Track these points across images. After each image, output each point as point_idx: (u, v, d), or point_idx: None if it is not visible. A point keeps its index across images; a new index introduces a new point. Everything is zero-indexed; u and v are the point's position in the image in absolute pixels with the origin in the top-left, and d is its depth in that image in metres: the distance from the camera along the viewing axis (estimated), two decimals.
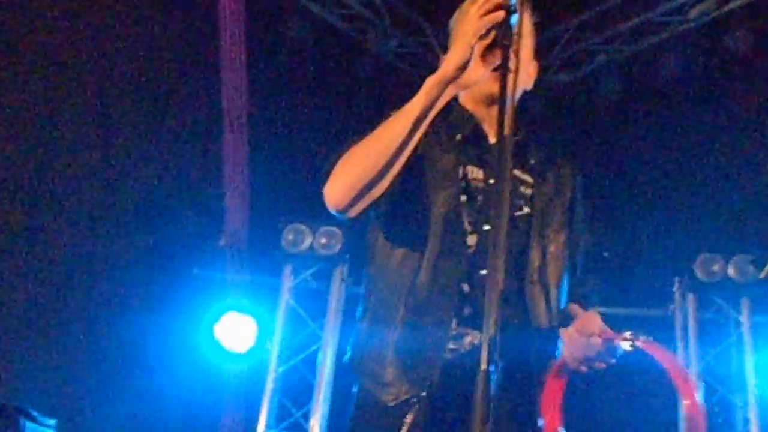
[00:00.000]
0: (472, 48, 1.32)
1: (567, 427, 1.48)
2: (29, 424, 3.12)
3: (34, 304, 4.04)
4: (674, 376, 1.36)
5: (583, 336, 1.43)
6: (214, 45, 4.40)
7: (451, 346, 1.45)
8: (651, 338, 1.40)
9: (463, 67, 1.33)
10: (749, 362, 4.37)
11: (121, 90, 4.36)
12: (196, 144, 4.64)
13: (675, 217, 4.82)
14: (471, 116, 1.63)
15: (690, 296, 4.50)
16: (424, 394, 1.43)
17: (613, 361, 1.44)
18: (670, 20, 4.75)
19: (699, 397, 1.37)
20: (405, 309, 1.48)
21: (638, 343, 1.39)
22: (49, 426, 3.27)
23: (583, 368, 1.44)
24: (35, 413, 3.19)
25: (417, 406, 1.43)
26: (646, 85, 4.98)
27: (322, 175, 1.50)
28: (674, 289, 4.54)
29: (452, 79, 1.35)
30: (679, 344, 4.47)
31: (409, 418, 1.43)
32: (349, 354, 1.59)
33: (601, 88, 4.99)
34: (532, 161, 1.64)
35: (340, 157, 1.49)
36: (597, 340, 1.41)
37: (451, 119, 1.63)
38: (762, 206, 4.56)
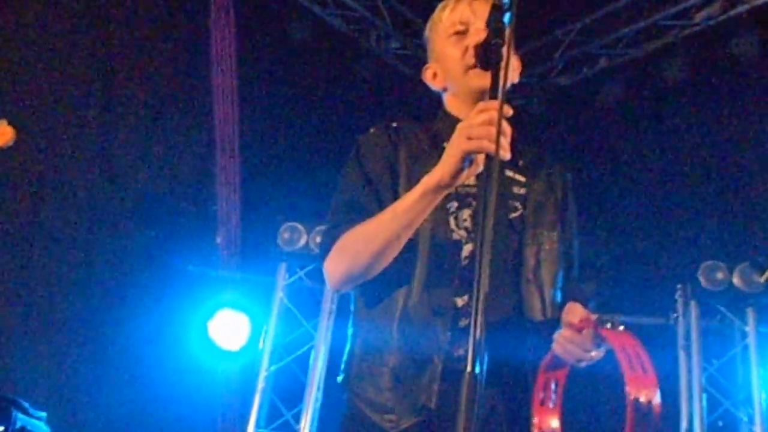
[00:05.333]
0: (464, 158, 1.16)
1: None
2: (20, 416, 2.85)
3: (28, 299, 3.72)
4: (623, 365, 1.12)
5: (567, 328, 1.25)
6: (210, 49, 4.09)
7: (446, 364, 1.28)
8: (621, 326, 1.17)
9: (458, 175, 1.18)
10: (755, 374, 3.84)
11: (120, 92, 4.07)
12: (192, 143, 4.30)
13: (679, 224, 4.30)
14: (457, 121, 1.35)
15: (693, 304, 3.97)
16: (422, 420, 1.27)
17: (601, 353, 1.24)
18: (675, 24, 4.20)
19: (651, 394, 1.07)
20: (399, 334, 1.31)
21: (601, 332, 1.18)
22: (39, 418, 2.99)
23: (582, 363, 1.25)
24: (27, 405, 2.90)
25: (412, 431, 1.28)
26: (649, 90, 4.45)
27: (319, 250, 1.41)
28: (677, 296, 3.98)
29: (448, 187, 1.21)
30: (682, 353, 3.95)
31: None
32: (342, 376, 1.40)
33: (603, 92, 4.46)
34: (523, 161, 1.46)
35: (336, 213, 1.38)
36: (586, 333, 1.22)
37: (436, 128, 1.46)
38: None
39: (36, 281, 3.71)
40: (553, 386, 1.25)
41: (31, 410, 2.88)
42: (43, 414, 2.96)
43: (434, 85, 1.51)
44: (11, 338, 3.60)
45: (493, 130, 1.06)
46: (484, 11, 1.21)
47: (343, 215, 1.36)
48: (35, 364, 3.63)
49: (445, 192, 1.22)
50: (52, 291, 3.76)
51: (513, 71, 1.46)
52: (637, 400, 1.08)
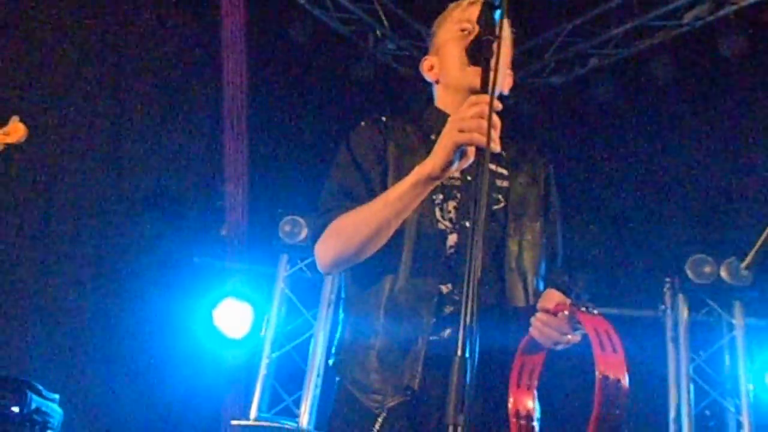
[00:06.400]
0: (456, 150, 1.17)
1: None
2: (35, 398, 2.94)
3: (42, 287, 3.83)
4: (594, 344, 1.13)
5: (543, 312, 1.27)
6: (217, 48, 4.16)
7: (430, 347, 1.30)
8: (595, 310, 1.20)
9: (449, 167, 1.19)
10: (742, 366, 3.81)
11: (131, 91, 4.17)
12: (199, 140, 4.40)
13: (667, 219, 4.29)
14: (445, 115, 1.38)
15: (681, 297, 3.97)
16: (407, 399, 1.29)
17: (576, 338, 1.26)
18: (664, 24, 4.21)
19: (619, 373, 1.10)
20: (385, 319, 1.33)
21: (576, 314, 1.20)
22: (53, 400, 3.08)
23: (558, 346, 1.27)
24: (41, 387, 2.99)
25: (398, 411, 1.29)
26: (639, 88, 4.45)
27: (310, 233, 1.31)
28: (665, 289, 3.99)
29: (439, 177, 1.22)
30: (670, 345, 3.96)
31: (387, 421, 1.29)
32: (333, 359, 1.43)
33: (594, 91, 4.46)
34: (506, 154, 1.47)
35: (328, 199, 1.39)
36: (561, 317, 1.25)
37: (424, 121, 1.48)
38: (755, 209, 3.98)
39: (49, 271, 3.80)
40: (529, 369, 1.27)
41: (45, 392, 2.97)
42: (56, 396, 3.05)
43: (429, 77, 1.53)
44: (26, 324, 3.70)
45: (484, 122, 1.07)
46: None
47: (335, 201, 1.37)
48: (49, 349, 3.72)
49: (437, 182, 1.23)
50: (64, 280, 3.86)
51: (504, 82, 1.48)
52: (605, 378, 1.09)
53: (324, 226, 1.37)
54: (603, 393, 1.09)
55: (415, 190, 1.23)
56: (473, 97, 1.15)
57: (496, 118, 1.10)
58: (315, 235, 1.39)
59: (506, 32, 1.47)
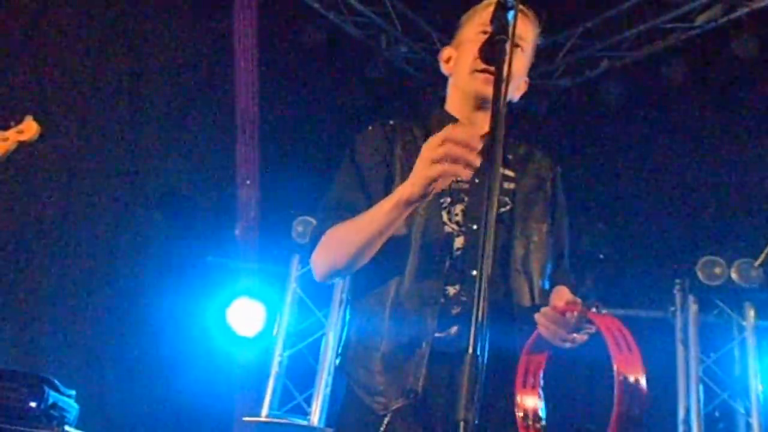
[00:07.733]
0: (430, 182, 1.15)
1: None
2: (52, 393, 2.95)
3: (61, 286, 3.86)
4: (610, 345, 1.12)
5: (552, 310, 1.25)
6: (231, 50, 4.18)
7: (434, 348, 1.29)
8: (604, 311, 1.21)
9: (428, 193, 1.17)
10: (752, 367, 3.78)
11: (146, 92, 4.20)
12: (213, 142, 4.41)
13: (678, 220, 4.26)
14: (453, 119, 1.43)
15: (691, 298, 3.94)
16: (411, 403, 1.28)
17: (584, 337, 1.25)
18: (676, 27, 4.17)
19: (637, 373, 1.08)
20: (390, 321, 1.32)
21: (588, 315, 1.19)
22: (69, 395, 3.08)
23: (566, 345, 1.25)
24: (58, 383, 2.99)
25: (404, 413, 1.29)
26: (650, 91, 4.42)
27: (308, 243, 1.43)
28: (675, 291, 3.97)
29: (420, 202, 1.21)
30: (680, 346, 3.93)
31: (393, 422, 1.28)
32: (339, 359, 1.42)
33: (605, 94, 4.43)
34: (512, 156, 1.47)
35: (325, 209, 1.39)
36: (571, 316, 1.23)
37: (431, 124, 1.46)
38: (767, 211, 3.95)
39: (65, 270, 3.83)
40: (534, 369, 1.27)
41: (62, 388, 2.97)
42: (73, 392, 3.05)
43: (445, 68, 1.52)
44: (43, 322, 3.74)
45: (454, 166, 1.09)
46: (521, 25, 1.17)
47: (331, 211, 1.37)
48: (65, 346, 3.75)
49: (417, 205, 1.23)
50: (79, 278, 3.89)
51: (517, 90, 1.47)
52: (625, 378, 1.09)
53: (318, 238, 1.37)
54: (623, 393, 1.08)
55: (396, 211, 1.22)
56: (447, 133, 1.12)
57: (477, 139, 1.09)
58: (311, 247, 1.40)
59: (530, 36, 1.45)
